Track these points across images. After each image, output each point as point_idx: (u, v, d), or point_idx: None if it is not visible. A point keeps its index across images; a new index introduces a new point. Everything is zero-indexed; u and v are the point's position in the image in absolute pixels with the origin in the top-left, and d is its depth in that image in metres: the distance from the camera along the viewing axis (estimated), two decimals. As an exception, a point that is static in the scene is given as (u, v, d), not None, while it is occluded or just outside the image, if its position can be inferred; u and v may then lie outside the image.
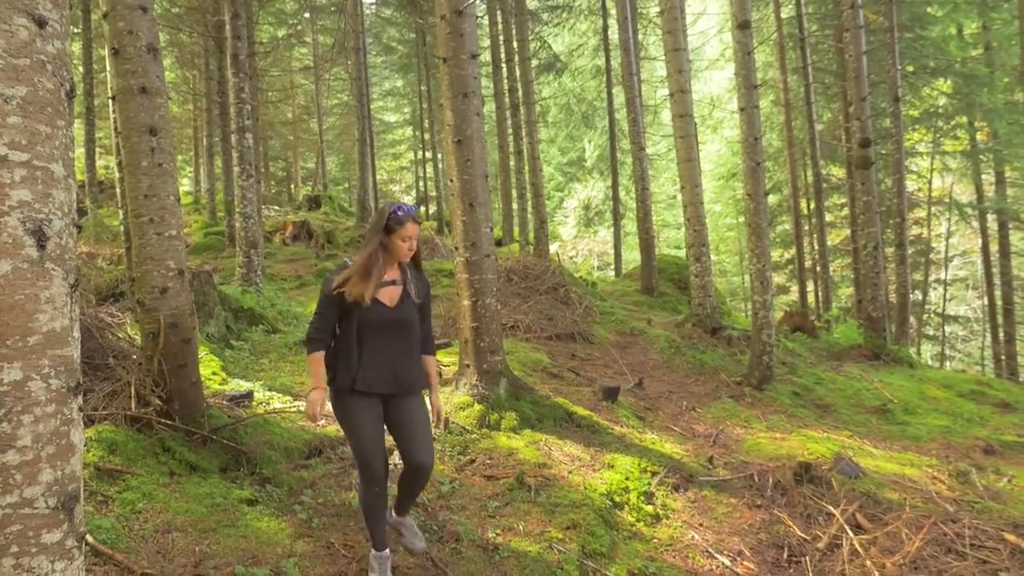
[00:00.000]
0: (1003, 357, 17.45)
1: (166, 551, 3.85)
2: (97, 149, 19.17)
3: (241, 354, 7.97)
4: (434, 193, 24.86)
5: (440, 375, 6.79)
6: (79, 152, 17.14)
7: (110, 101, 8.12)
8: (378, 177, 31.52)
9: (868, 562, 4.77)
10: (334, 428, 5.78)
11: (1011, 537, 4.92)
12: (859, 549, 4.92)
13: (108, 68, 6.42)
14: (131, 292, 7.66)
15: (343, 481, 5.05)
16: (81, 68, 14.97)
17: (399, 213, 3.39)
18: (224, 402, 5.81)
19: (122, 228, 9.15)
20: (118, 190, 9.31)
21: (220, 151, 18.00)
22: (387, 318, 3.41)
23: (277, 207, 25.87)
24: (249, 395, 6.22)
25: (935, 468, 6.84)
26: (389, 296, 3.44)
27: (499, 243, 18.65)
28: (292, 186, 33.09)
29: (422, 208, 26.90)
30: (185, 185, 29.25)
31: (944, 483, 6.52)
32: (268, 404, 6.40)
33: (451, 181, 6.30)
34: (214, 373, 6.86)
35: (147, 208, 4.66)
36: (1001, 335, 17.79)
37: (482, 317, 6.12)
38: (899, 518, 5.31)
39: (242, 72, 10.52)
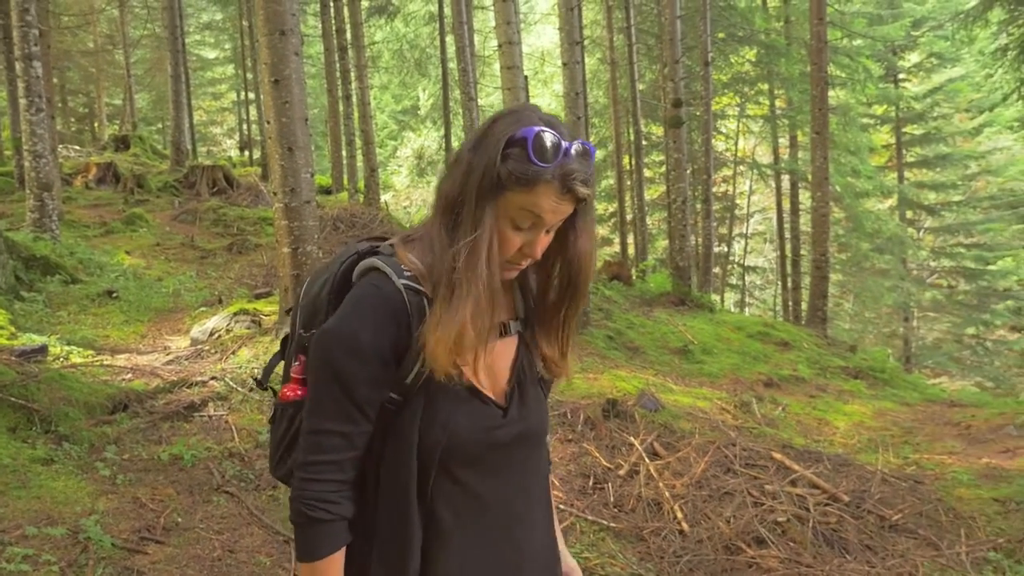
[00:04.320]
0: (790, 303, 19.62)
1: (-58, 516, 3.56)
2: None
3: (34, 306, 7.30)
4: (259, 137, 23.58)
5: (260, 324, 6.63)
6: None
7: None
8: (196, 118, 29.36)
9: (661, 484, 5.31)
10: (141, 381, 5.50)
11: (778, 455, 5.66)
12: (654, 474, 5.47)
13: None
14: None
15: (151, 435, 4.85)
16: None
17: (544, 154, 1.14)
18: (13, 358, 5.35)
19: None
20: None
21: (5, 81, 15.93)
22: (503, 432, 1.31)
23: (79, 147, 23.42)
24: (43, 349, 5.75)
25: (724, 400, 7.66)
26: (499, 366, 1.33)
27: (328, 191, 18.13)
28: (96, 124, 29.97)
29: (245, 153, 25.46)
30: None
31: (730, 413, 7.34)
32: (67, 359, 5.96)
33: (268, 123, 6.06)
34: (1, 327, 6.25)
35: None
36: (789, 284, 19.96)
37: (302, 265, 6.01)
38: (689, 445, 5.93)
39: (26, -9, 9.34)
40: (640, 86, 18.78)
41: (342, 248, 1.41)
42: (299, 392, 1.33)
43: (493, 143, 1.17)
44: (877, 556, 4.55)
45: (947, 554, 4.62)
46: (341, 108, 17.08)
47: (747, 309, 24.77)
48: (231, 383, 5.55)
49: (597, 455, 5.78)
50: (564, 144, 1.15)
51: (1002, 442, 6.73)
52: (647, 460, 5.59)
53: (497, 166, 1.15)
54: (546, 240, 1.25)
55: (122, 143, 22.52)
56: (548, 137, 1.14)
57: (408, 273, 1.23)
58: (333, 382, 1.19)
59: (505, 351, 1.33)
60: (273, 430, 1.41)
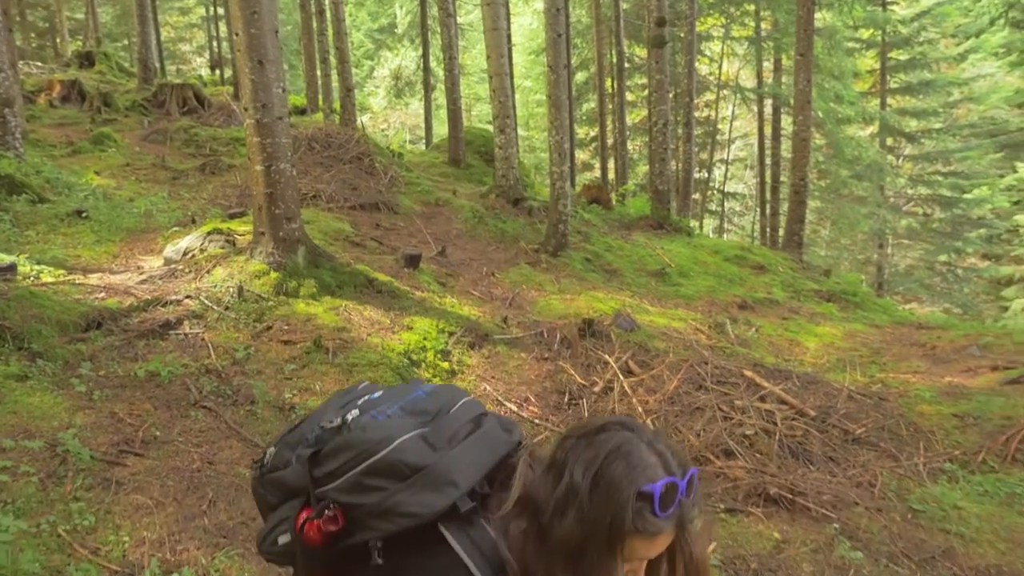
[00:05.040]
0: (768, 229, 19.73)
1: (-83, 429, 3.56)
2: None
3: (1, 225, 7.14)
4: (229, 55, 22.75)
5: (234, 243, 6.56)
6: None
7: None
8: (164, 34, 28.21)
9: (635, 400, 5.44)
10: (115, 300, 5.45)
11: (748, 373, 5.79)
12: (628, 390, 5.58)
13: None
14: None
15: (127, 352, 4.84)
16: None
17: (668, 507, 1.19)
18: (-19, 275, 5.26)
19: None
20: None
21: (-43, -10, 15.12)
22: None
23: (41, 63, 22.45)
24: (12, 268, 5.65)
25: (698, 321, 7.78)
26: None
27: (302, 112, 17.66)
28: (58, 40, 28.68)
29: (216, 72, 24.62)
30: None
31: (704, 333, 7.46)
32: (37, 278, 5.87)
33: (237, 35, 5.83)
34: (-33, 245, 6.13)
35: None
36: (768, 210, 20.02)
37: (276, 183, 5.91)
38: (663, 363, 6.04)
39: None
40: (624, 5, 18.27)
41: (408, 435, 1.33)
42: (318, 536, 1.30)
43: (616, 495, 1.17)
44: (839, 467, 4.73)
45: (905, 465, 4.82)
46: (315, 24, 16.48)
47: (726, 235, 24.90)
48: (206, 301, 5.52)
49: (573, 373, 5.88)
50: (681, 487, 1.19)
51: (965, 362, 6.93)
52: (621, 377, 5.70)
53: (624, 522, 1.17)
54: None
55: (86, 60, 21.61)
56: (668, 489, 1.18)
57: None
58: None
59: None
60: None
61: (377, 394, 1.45)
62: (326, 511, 1.28)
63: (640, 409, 5.28)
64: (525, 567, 1.22)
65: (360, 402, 1.41)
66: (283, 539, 1.36)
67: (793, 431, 4.96)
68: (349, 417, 1.36)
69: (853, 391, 5.83)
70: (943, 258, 21.91)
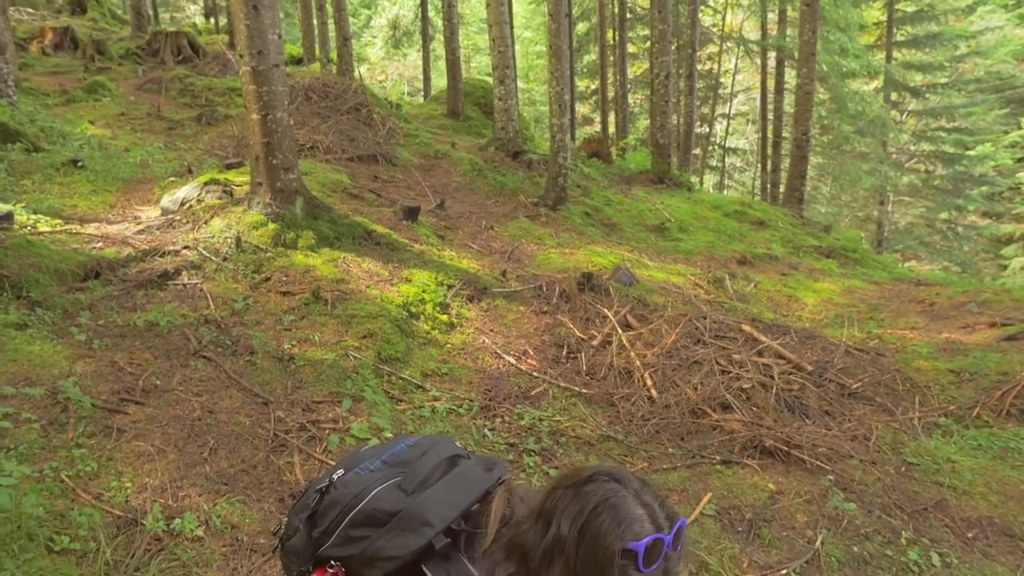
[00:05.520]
0: (769, 185, 19.58)
1: (-83, 376, 3.57)
2: None
3: (-5, 174, 7.06)
4: (224, 2, 22.26)
5: (232, 194, 6.50)
6: None
7: None
8: (156, -20, 27.54)
9: (632, 353, 5.46)
10: (112, 249, 5.42)
11: (747, 328, 5.81)
12: (626, 344, 5.60)
13: None
14: None
15: (126, 302, 4.83)
16: None
17: (652, 562, 1.19)
18: (-24, 224, 5.22)
19: None
20: None
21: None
22: None
23: (32, 9, 21.95)
24: (8, 216, 5.61)
25: (697, 276, 7.77)
26: None
27: (299, 62, 17.37)
28: (48, -15, 28.05)
29: (210, 20, 24.10)
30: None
31: (703, 288, 7.46)
32: (34, 227, 5.83)
33: (231, -21, 5.69)
34: (-39, 194, 6.07)
35: None
36: (769, 165, 19.84)
37: (273, 132, 5.82)
38: (661, 317, 6.05)
39: None
40: (627, -47, 17.84)
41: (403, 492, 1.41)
42: None
43: (602, 551, 1.18)
44: (835, 420, 4.77)
45: (901, 419, 4.86)
46: (310, -30, 16.08)
47: (726, 191, 24.74)
48: (204, 252, 5.49)
49: (571, 326, 5.89)
50: (666, 542, 1.18)
51: (963, 318, 6.95)
52: (620, 331, 5.71)
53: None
54: None
55: (79, 6, 21.15)
56: (653, 545, 1.17)
57: None
58: None
59: None
60: None
61: (365, 450, 1.55)
62: (328, 569, 1.39)
63: (638, 363, 5.30)
64: None
65: (346, 462, 1.52)
66: None
67: (790, 385, 4.99)
68: (335, 476, 1.46)
69: (850, 346, 5.85)
70: (944, 216, 21.82)
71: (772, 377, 5.02)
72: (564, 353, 5.60)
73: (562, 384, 5.09)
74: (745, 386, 4.90)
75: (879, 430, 4.64)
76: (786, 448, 4.24)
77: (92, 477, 3.15)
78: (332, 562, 1.39)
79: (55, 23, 17.02)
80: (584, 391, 5.03)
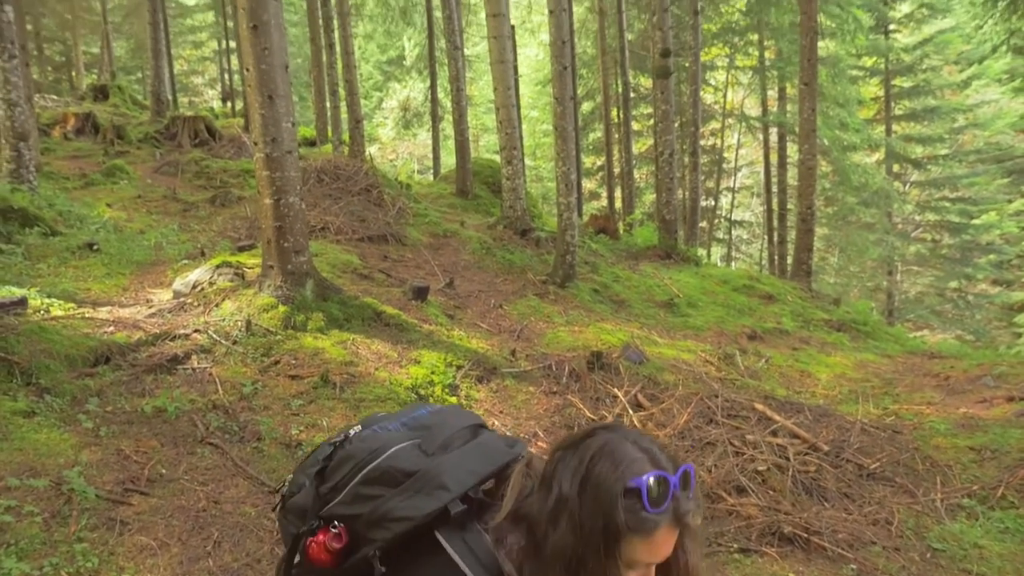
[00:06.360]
0: (776, 257, 19.68)
1: (-78, 469, 3.54)
2: None
3: (12, 259, 7.18)
4: (241, 87, 23.06)
5: (243, 276, 6.56)
6: None
7: None
8: (177, 67, 28.64)
9: (644, 434, 5.37)
10: (123, 334, 5.45)
11: (760, 406, 5.73)
12: (637, 424, 5.52)
13: None
14: None
15: (134, 388, 4.83)
16: None
17: (659, 502, 1.14)
18: (-9, 310, 5.27)
19: None
20: None
21: (-26, 27, 15.38)
22: None
23: (56, 96, 22.80)
24: (22, 302, 5.66)
25: (708, 353, 7.72)
26: None
27: (312, 143, 17.84)
28: (74, 73, 29.17)
29: (227, 104, 24.94)
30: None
31: (713, 365, 7.40)
32: (47, 311, 5.89)
33: (247, 71, 5.90)
34: (-22, 280, 6.16)
35: None
36: (775, 237, 19.98)
37: (285, 216, 5.93)
38: (673, 396, 5.98)
39: (-8, -69, 8.96)
40: (629, 36, 18.47)
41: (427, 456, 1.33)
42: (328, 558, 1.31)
43: (605, 495, 1.14)
44: (855, 503, 4.64)
45: (923, 501, 4.72)
46: (324, 58, 16.69)
47: (733, 263, 24.85)
48: (214, 336, 5.51)
49: (581, 406, 5.82)
50: (672, 481, 1.14)
51: (980, 392, 6.83)
52: (631, 411, 5.64)
53: (617, 522, 1.12)
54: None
55: (101, 93, 21.96)
56: (658, 482, 1.13)
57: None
58: None
59: None
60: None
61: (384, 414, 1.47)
62: (331, 528, 1.30)
63: (650, 443, 5.21)
64: None
65: (364, 420, 1.45)
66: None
67: (806, 466, 4.88)
68: (352, 432, 1.39)
69: (866, 424, 5.75)
70: (953, 284, 21.78)
71: (788, 458, 4.92)
72: (575, 434, 5.52)
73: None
74: (760, 468, 4.79)
75: (901, 513, 4.50)
76: (806, 535, 4.12)
77: (92, 574, 3.08)
78: (335, 523, 1.30)
79: (77, 109, 17.62)
80: (596, 474, 4.92)
